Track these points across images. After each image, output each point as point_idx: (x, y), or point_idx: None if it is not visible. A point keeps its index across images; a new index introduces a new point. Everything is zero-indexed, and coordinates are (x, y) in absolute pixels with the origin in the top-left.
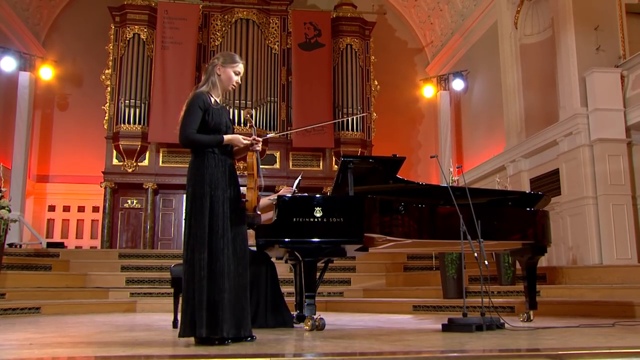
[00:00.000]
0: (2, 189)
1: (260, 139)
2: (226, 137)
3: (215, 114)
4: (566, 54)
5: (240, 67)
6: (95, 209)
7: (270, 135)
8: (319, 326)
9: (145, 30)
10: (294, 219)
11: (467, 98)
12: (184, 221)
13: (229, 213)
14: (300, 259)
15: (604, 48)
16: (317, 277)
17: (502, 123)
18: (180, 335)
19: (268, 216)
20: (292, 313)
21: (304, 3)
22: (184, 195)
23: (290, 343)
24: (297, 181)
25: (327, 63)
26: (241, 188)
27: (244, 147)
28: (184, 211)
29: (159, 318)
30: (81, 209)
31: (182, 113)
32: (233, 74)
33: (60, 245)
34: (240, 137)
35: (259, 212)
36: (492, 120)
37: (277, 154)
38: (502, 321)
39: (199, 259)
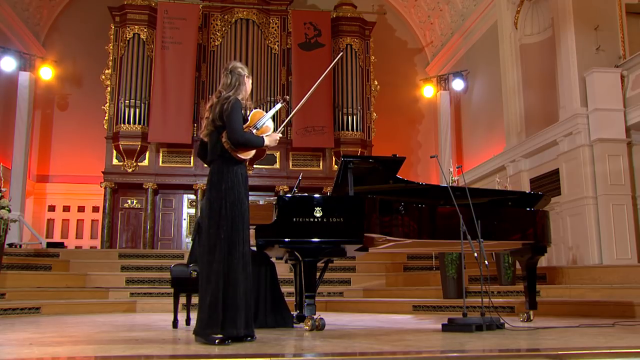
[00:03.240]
0: (2, 189)
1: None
2: (266, 140)
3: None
4: (566, 54)
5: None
6: (95, 209)
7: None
8: (319, 326)
9: (145, 30)
10: (294, 219)
11: (467, 98)
12: (209, 223)
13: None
14: (300, 259)
15: (604, 48)
16: (317, 277)
17: (502, 123)
18: (207, 334)
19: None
20: (292, 313)
21: (304, 3)
22: (205, 198)
23: (290, 343)
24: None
25: (327, 63)
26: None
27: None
28: (206, 214)
29: (159, 318)
30: (81, 209)
31: (223, 114)
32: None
33: (60, 245)
34: (276, 136)
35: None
36: (492, 120)
37: (277, 154)
38: (502, 321)
39: (232, 262)
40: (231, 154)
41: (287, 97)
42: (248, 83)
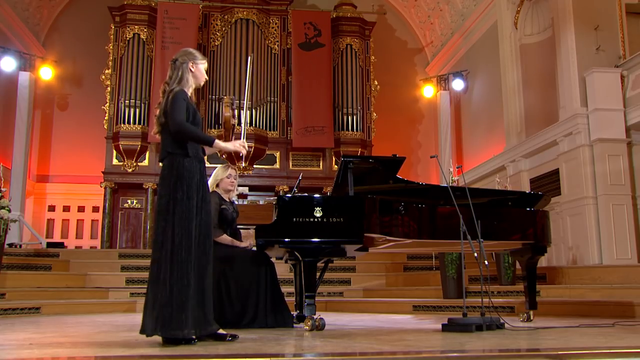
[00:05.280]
0: (2, 189)
1: (245, 147)
2: (220, 143)
3: (191, 111)
4: (566, 54)
5: (206, 64)
6: (95, 209)
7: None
8: (319, 326)
9: (145, 30)
10: (294, 219)
11: (467, 98)
12: (156, 220)
13: (207, 214)
14: (300, 259)
15: (604, 48)
16: (317, 277)
17: (502, 123)
18: (169, 334)
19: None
20: (292, 313)
21: (304, 3)
22: (158, 197)
23: (290, 343)
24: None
25: (327, 63)
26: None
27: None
28: (155, 210)
29: None
30: (81, 209)
31: (167, 108)
32: (204, 70)
33: (60, 245)
34: (230, 145)
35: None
36: (492, 120)
37: (277, 154)
38: (502, 321)
39: (188, 260)
40: (180, 149)
41: (233, 97)
42: (197, 69)
